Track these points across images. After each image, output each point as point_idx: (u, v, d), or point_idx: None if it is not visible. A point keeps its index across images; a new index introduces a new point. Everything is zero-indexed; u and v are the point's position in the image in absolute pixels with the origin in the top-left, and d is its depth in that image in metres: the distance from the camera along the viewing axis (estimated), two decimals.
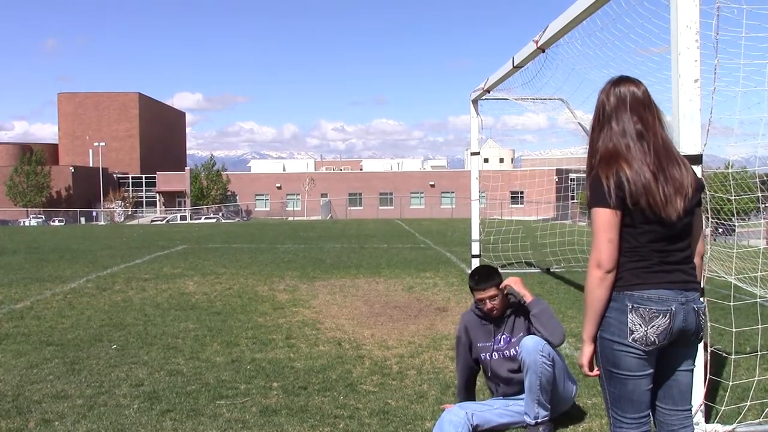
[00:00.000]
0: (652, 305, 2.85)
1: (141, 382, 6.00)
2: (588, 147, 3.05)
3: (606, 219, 2.85)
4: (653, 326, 2.85)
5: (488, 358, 4.88)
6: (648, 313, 2.85)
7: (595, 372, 3.04)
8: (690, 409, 3.06)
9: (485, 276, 4.78)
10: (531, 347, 4.53)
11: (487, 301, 4.74)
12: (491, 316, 4.82)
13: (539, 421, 4.55)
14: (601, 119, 3.00)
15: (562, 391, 4.72)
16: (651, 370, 2.94)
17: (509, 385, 4.82)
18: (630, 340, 2.87)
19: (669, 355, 2.97)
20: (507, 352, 4.78)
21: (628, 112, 2.94)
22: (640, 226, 2.87)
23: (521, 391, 4.69)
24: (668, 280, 2.88)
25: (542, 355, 4.50)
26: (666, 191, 2.85)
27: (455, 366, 5.24)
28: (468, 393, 5.08)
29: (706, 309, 3.05)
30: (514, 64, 9.58)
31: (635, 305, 2.86)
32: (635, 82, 3.01)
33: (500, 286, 4.73)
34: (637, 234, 2.88)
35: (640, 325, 2.85)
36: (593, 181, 2.92)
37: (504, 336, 4.81)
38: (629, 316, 2.86)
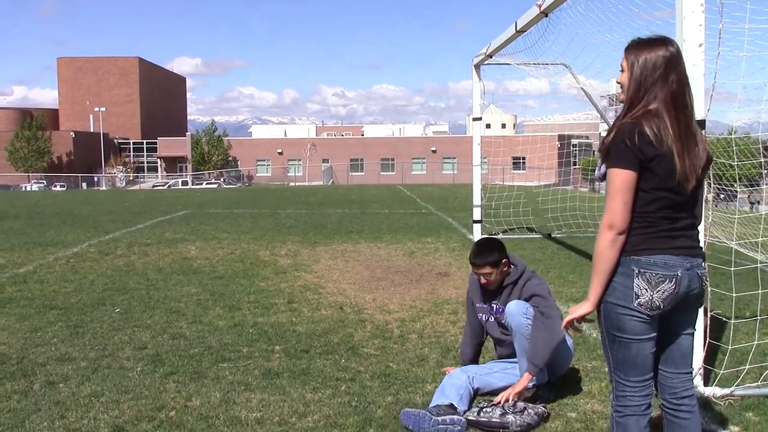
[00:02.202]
0: (659, 270, 2.86)
1: (144, 345, 6.05)
2: (631, 95, 2.95)
3: (623, 180, 2.84)
4: (659, 291, 2.86)
5: (484, 319, 4.94)
6: (654, 278, 2.86)
7: (573, 330, 3.09)
8: (691, 372, 3.10)
9: (483, 253, 4.77)
10: (514, 311, 4.58)
11: (482, 276, 4.79)
12: (487, 289, 4.86)
13: (536, 384, 4.59)
14: (650, 76, 2.91)
15: (557, 354, 4.75)
16: (654, 334, 2.96)
17: (502, 346, 4.89)
18: (635, 305, 2.88)
19: (671, 319, 2.99)
20: (501, 320, 4.82)
21: (674, 75, 2.89)
22: (653, 191, 2.86)
23: (515, 354, 4.74)
24: (674, 246, 2.89)
25: (526, 317, 4.56)
26: (688, 163, 2.85)
27: (465, 320, 5.31)
28: (472, 350, 5.12)
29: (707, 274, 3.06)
30: (517, 29, 9.51)
31: (642, 270, 2.87)
32: (678, 50, 2.96)
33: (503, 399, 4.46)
34: (650, 199, 2.87)
35: (646, 289, 2.87)
36: (616, 138, 2.87)
37: (498, 306, 4.84)
38: (635, 281, 2.88)
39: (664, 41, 2.96)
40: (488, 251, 4.77)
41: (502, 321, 4.80)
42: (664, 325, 3.00)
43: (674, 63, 2.92)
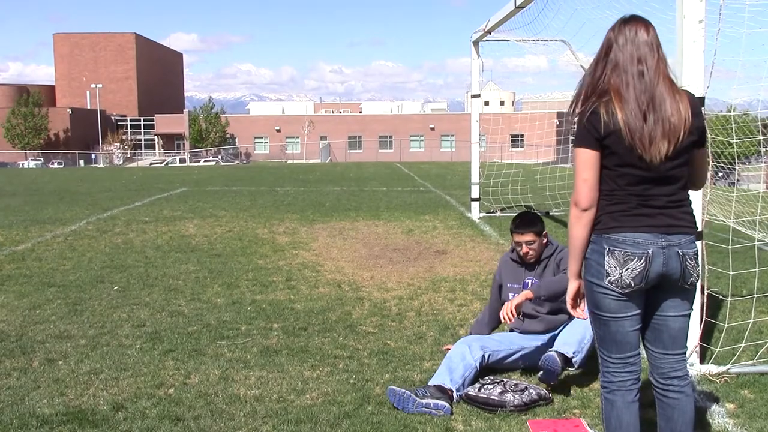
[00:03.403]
0: (627, 248, 2.87)
1: (143, 322, 6.07)
2: (586, 81, 3.00)
3: (583, 159, 2.90)
4: (628, 269, 2.87)
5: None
6: (623, 256, 2.87)
7: (580, 313, 3.13)
8: (683, 353, 3.07)
9: (527, 221, 4.83)
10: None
11: (524, 245, 4.80)
12: (526, 261, 4.86)
13: (570, 356, 4.44)
14: (605, 56, 2.95)
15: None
16: (636, 312, 2.96)
17: (533, 321, 4.83)
18: (606, 283, 2.91)
19: (655, 299, 2.98)
20: None
21: (632, 51, 2.89)
22: (616, 168, 2.88)
23: (547, 330, 4.75)
24: (648, 224, 2.88)
25: None
26: (653, 133, 2.82)
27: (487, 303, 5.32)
28: (488, 331, 5.10)
29: (700, 253, 3.02)
30: (516, 4, 9.44)
31: (611, 248, 2.90)
32: (644, 22, 2.95)
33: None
34: (614, 176, 2.90)
35: (615, 267, 2.89)
36: (579, 118, 2.93)
37: (533, 280, 4.85)
38: (606, 259, 2.90)
39: (618, 21, 2.99)
40: (532, 220, 4.86)
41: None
42: (650, 304, 3.00)
43: (623, 41, 2.92)
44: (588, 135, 2.88)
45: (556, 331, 4.75)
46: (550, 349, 4.49)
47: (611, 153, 2.87)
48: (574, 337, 4.55)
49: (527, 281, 4.88)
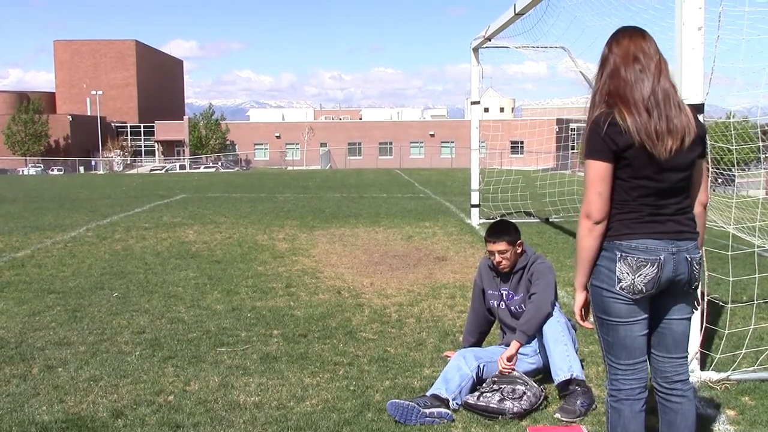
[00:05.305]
0: (640, 254, 2.88)
1: (142, 329, 6.06)
2: (591, 96, 3.02)
3: (597, 172, 2.87)
4: (640, 275, 2.88)
5: (495, 305, 4.91)
6: (636, 262, 2.88)
7: (587, 324, 3.11)
8: (685, 357, 3.09)
9: (500, 230, 4.74)
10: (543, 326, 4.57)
11: (496, 254, 4.71)
12: (499, 271, 4.82)
13: (574, 376, 4.37)
14: (605, 69, 2.97)
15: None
16: (643, 316, 2.97)
17: (513, 333, 4.82)
18: (618, 289, 2.91)
19: (661, 303, 3.00)
20: (512, 307, 4.81)
21: (632, 62, 2.91)
22: (630, 180, 2.88)
23: (529, 340, 4.71)
24: (659, 231, 2.90)
25: (556, 318, 4.55)
26: (659, 128, 2.83)
27: (469, 308, 5.24)
28: (475, 338, 5.08)
29: (703, 259, 3.04)
30: (516, 11, 9.48)
31: (623, 254, 2.89)
32: (641, 32, 2.97)
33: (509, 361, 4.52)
34: (628, 188, 2.90)
35: (627, 273, 2.89)
36: (590, 130, 2.92)
37: (508, 292, 4.82)
38: (617, 265, 2.90)
39: (613, 33, 3.02)
40: (505, 228, 4.76)
41: (514, 309, 4.79)
42: (656, 309, 3.01)
43: (618, 49, 2.95)
44: (605, 147, 2.86)
45: (541, 338, 4.67)
46: (557, 380, 4.41)
47: (627, 165, 2.86)
48: (561, 358, 4.46)
49: (502, 291, 4.85)
